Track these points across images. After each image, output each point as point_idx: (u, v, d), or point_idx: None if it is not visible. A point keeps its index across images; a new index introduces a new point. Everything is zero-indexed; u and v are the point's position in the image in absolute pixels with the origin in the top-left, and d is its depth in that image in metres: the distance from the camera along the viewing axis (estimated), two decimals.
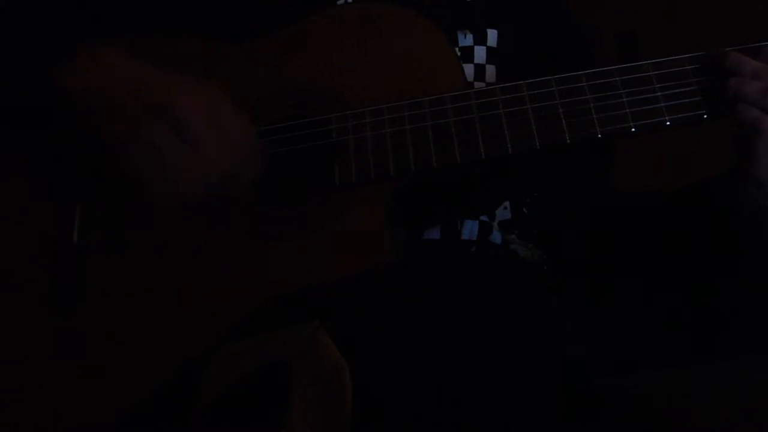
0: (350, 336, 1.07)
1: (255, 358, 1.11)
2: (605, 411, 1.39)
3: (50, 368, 1.22)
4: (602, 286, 1.52)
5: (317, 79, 1.28)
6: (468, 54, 1.40)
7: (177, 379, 1.18)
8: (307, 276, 1.21)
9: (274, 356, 1.09)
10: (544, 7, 1.50)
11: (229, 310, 1.20)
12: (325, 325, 1.08)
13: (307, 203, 1.25)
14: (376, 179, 1.24)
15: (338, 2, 1.36)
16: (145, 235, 1.26)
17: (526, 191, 1.42)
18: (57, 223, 1.26)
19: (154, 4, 1.34)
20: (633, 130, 1.23)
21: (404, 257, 1.21)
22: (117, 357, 1.21)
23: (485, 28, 1.42)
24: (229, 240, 1.24)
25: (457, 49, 1.39)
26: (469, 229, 1.36)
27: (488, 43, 1.42)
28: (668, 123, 1.23)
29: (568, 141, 1.23)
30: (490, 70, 1.41)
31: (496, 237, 1.38)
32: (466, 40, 1.41)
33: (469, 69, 1.39)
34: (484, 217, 1.37)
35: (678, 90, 1.24)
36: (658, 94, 1.23)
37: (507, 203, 1.41)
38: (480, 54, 1.41)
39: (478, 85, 1.39)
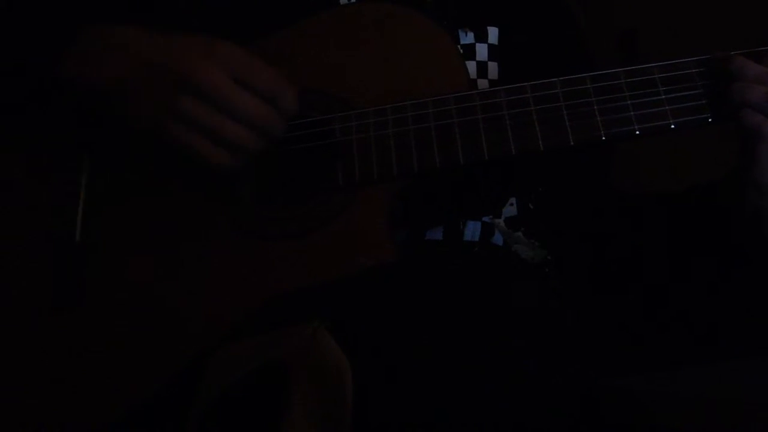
0: (351, 336, 1.07)
1: (255, 358, 1.11)
2: (605, 411, 1.39)
3: (51, 368, 1.22)
4: (603, 287, 1.52)
5: (319, 78, 1.28)
6: (470, 52, 1.40)
7: (177, 379, 1.18)
8: (308, 276, 1.21)
9: (274, 356, 1.09)
10: (542, 4, 1.49)
11: (230, 310, 1.20)
12: (325, 325, 1.08)
13: (308, 203, 1.24)
14: (379, 179, 1.24)
15: (341, 2, 1.36)
16: (146, 235, 1.26)
17: (530, 187, 1.42)
18: (59, 222, 1.26)
19: (155, 4, 1.33)
20: (637, 133, 1.23)
21: (406, 258, 1.21)
22: (117, 357, 1.21)
23: (485, 26, 1.42)
24: (230, 239, 1.24)
25: (459, 47, 1.39)
26: (472, 230, 1.36)
27: (489, 41, 1.42)
28: (673, 126, 1.23)
29: (572, 143, 1.23)
30: (492, 67, 1.41)
31: (498, 238, 1.38)
32: (467, 38, 1.41)
33: (471, 66, 1.39)
34: (486, 218, 1.37)
35: (683, 93, 1.23)
36: (663, 97, 1.23)
37: (513, 200, 1.41)
38: (482, 51, 1.41)
39: (480, 82, 1.40)
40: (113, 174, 1.27)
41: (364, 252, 1.22)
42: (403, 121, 1.25)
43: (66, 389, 1.21)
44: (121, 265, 1.25)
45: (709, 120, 1.23)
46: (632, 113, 1.23)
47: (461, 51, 1.39)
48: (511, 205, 1.41)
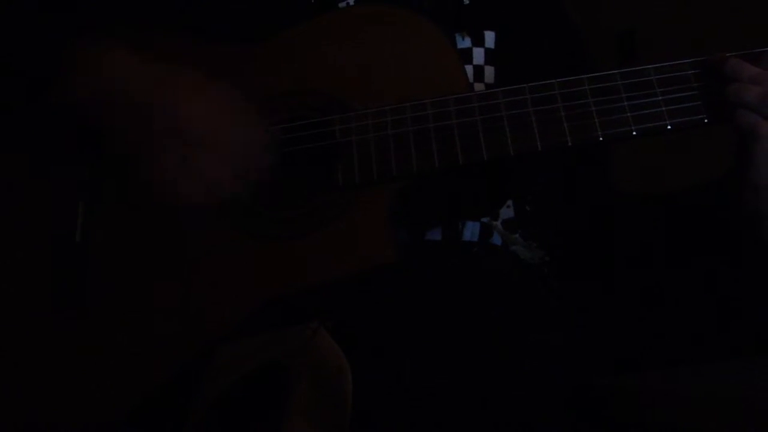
0: (350, 336, 1.08)
1: (255, 358, 1.12)
2: (605, 411, 1.40)
3: (50, 368, 1.23)
4: (603, 287, 1.52)
5: (319, 80, 1.29)
6: (467, 56, 1.41)
7: (177, 379, 1.19)
8: (308, 276, 1.22)
9: (274, 356, 1.10)
10: (539, 8, 1.50)
11: (230, 310, 1.21)
12: (325, 325, 1.09)
13: (308, 203, 1.25)
14: (379, 180, 1.24)
15: (340, 4, 1.37)
16: (146, 235, 1.26)
17: (526, 189, 1.42)
18: (59, 222, 1.26)
19: (155, 4, 1.34)
20: (634, 133, 1.24)
21: (406, 258, 1.22)
22: (117, 356, 1.22)
23: (482, 30, 1.43)
24: (231, 240, 1.24)
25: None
26: (470, 231, 1.36)
27: (486, 45, 1.42)
28: (669, 127, 1.24)
29: (570, 144, 1.23)
30: (489, 71, 1.41)
31: (497, 239, 1.38)
32: (464, 42, 1.41)
33: (468, 71, 1.39)
34: (485, 219, 1.37)
35: (679, 94, 1.24)
36: (659, 98, 1.24)
37: (510, 202, 1.41)
38: (478, 55, 1.41)
39: (477, 86, 1.40)
40: (113, 174, 1.27)
41: (364, 252, 1.22)
42: (402, 123, 1.25)
43: (66, 389, 1.21)
44: (121, 264, 1.25)
45: (705, 121, 1.23)
46: (629, 114, 1.23)
47: None
48: (508, 207, 1.41)
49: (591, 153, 1.44)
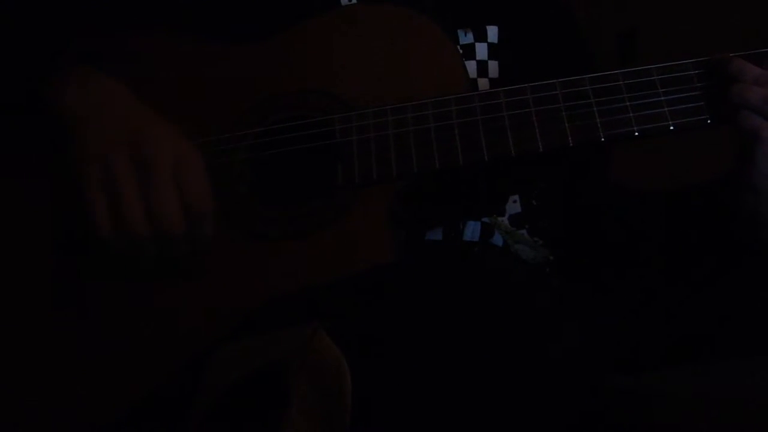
0: (351, 336, 1.08)
1: (255, 358, 1.11)
2: (606, 411, 1.40)
3: (50, 368, 1.22)
4: (603, 287, 1.52)
5: (319, 79, 1.28)
6: (470, 51, 1.40)
7: (177, 379, 1.19)
8: (308, 276, 1.22)
9: (274, 356, 1.09)
10: (541, 3, 1.50)
11: (230, 310, 1.21)
12: (325, 325, 1.08)
13: (309, 203, 1.25)
14: (379, 180, 1.24)
15: (342, 2, 1.37)
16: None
17: (531, 184, 1.42)
18: (58, 222, 1.26)
19: (155, 4, 1.34)
20: (636, 134, 1.23)
21: (406, 258, 1.22)
22: (117, 356, 1.22)
23: (485, 25, 1.42)
24: (231, 240, 1.24)
25: (458, 47, 1.39)
26: (471, 231, 1.36)
27: (489, 40, 1.42)
28: (672, 128, 1.23)
29: (572, 144, 1.23)
30: (493, 66, 1.41)
31: (498, 239, 1.38)
32: (467, 38, 1.41)
33: (471, 66, 1.39)
34: (485, 219, 1.37)
35: (682, 95, 1.23)
36: (662, 98, 1.23)
37: (516, 197, 1.41)
38: (481, 51, 1.41)
39: (481, 81, 1.40)
40: None
41: (364, 252, 1.22)
42: (403, 122, 1.25)
43: (66, 389, 1.21)
44: None
45: (708, 121, 1.23)
46: (631, 114, 1.23)
47: (461, 51, 1.39)
48: (515, 202, 1.41)
49: (590, 152, 1.44)
